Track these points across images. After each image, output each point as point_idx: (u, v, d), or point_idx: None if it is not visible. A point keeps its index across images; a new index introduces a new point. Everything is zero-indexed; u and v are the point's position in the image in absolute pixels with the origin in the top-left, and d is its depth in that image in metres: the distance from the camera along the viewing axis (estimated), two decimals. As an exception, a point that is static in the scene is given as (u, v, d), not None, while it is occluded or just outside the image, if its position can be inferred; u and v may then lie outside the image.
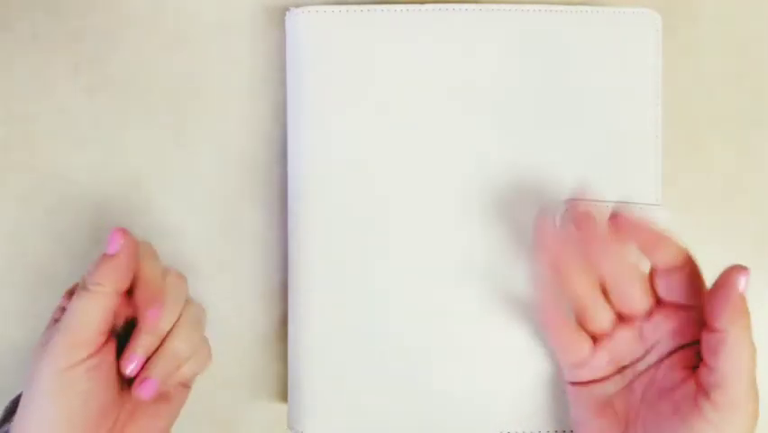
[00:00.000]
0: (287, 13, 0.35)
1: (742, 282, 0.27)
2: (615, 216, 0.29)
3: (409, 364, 0.34)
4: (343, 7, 0.34)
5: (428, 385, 0.34)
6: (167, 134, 0.38)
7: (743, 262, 0.37)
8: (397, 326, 0.34)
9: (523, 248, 0.34)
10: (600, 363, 0.31)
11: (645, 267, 0.30)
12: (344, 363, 0.35)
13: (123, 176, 0.38)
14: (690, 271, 0.29)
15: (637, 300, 0.30)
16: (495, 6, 0.34)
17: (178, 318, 0.31)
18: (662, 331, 0.30)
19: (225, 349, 0.38)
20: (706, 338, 0.28)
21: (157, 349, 0.30)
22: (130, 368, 0.29)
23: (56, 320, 0.31)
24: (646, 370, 0.30)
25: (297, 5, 0.35)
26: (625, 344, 0.30)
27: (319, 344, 0.35)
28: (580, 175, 0.34)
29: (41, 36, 0.39)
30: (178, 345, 0.30)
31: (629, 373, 0.31)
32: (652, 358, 0.30)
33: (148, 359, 0.30)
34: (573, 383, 0.32)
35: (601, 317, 0.30)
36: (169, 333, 0.30)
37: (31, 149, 0.39)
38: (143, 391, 0.29)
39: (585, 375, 0.31)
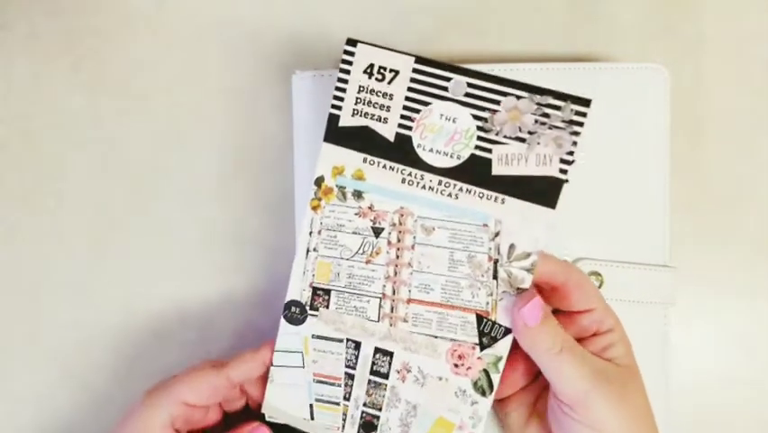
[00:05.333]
0: (292, 76, 0.36)
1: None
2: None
3: None
4: None
5: None
6: (167, 134, 0.38)
7: (743, 263, 0.38)
8: None
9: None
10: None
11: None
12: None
13: (123, 176, 0.38)
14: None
15: None
16: (502, 66, 0.34)
17: None
18: None
19: (225, 351, 0.38)
20: (590, 320, 0.30)
21: None
22: None
23: None
24: None
25: (303, 69, 0.36)
26: None
27: None
28: (588, 232, 0.34)
29: (40, 36, 0.39)
30: None
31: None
32: None
33: None
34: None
35: None
36: None
37: (31, 148, 0.39)
38: None
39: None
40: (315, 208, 0.31)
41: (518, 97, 0.29)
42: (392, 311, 0.31)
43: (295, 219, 0.36)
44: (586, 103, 0.28)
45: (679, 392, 0.37)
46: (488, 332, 0.30)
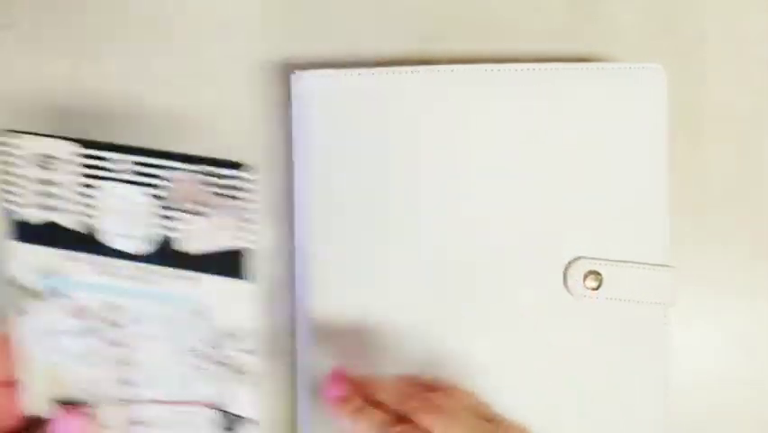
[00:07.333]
0: (292, 76, 0.35)
1: None
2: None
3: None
4: (347, 71, 0.34)
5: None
6: (167, 135, 0.38)
7: (743, 263, 0.38)
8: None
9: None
10: None
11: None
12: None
13: (123, 176, 0.38)
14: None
15: None
16: (502, 66, 0.34)
17: None
18: None
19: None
20: None
21: None
22: None
23: None
24: None
25: (302, 68, 0.35)
26: None
27: None
28: (587, 232, 0.34)
29: (41, 35, 0.39)
30: None
31: None
32: None
33: None
34: None
35: None
36: None
37: (31, 149, 0.39)
38: None
39: None
40: (23, 314, 0.28)
41: (182, 170, 0.26)
42: (129, 416, 0.28)
43: (295, 219, 0.36)
44: (238, 166, 0.26)
45: (679, 392, 0.37)
46: (227, 426, 0.28)
